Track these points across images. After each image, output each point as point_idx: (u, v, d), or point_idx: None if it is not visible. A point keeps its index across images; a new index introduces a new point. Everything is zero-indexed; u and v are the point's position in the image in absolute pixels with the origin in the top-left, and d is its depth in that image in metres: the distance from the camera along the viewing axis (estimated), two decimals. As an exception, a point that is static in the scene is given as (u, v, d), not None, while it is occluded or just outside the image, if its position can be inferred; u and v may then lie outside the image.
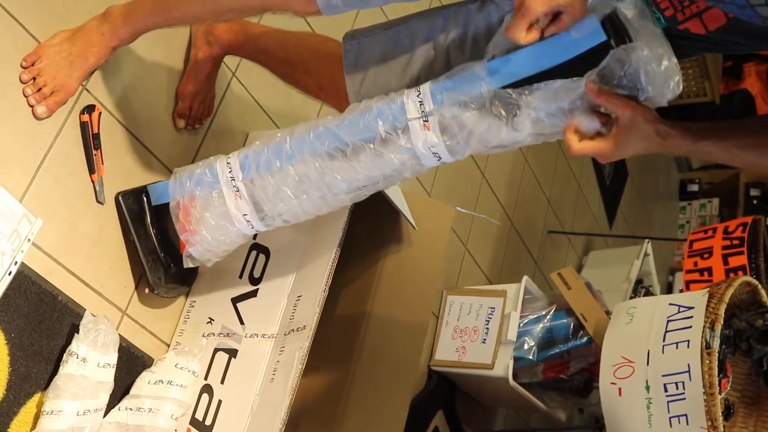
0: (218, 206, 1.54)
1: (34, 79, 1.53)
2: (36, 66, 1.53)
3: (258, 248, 1.79)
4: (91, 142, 1.63)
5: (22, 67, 1.53)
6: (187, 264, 1.62)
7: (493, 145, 1.38)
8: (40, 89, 1.53)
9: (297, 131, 1.49)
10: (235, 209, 1.53)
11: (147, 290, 1.68)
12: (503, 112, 1.33)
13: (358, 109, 1.44)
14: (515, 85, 1.33)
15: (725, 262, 2.91)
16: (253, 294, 1.73)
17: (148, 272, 1.65)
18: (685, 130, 1.32)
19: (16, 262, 1.44)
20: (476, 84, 1.34)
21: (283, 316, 1.65)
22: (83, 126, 1.62)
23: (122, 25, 1.60)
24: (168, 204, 1.62)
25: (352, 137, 1.42)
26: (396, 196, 1.89)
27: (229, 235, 1.57)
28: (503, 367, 2.56)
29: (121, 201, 1.65)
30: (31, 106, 1.53)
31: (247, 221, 1.54)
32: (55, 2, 1.61)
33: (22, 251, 1.46)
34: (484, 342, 2.62)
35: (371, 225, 1.99)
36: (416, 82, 1.47)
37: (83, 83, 1.63)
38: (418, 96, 1.38)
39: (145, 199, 1.67)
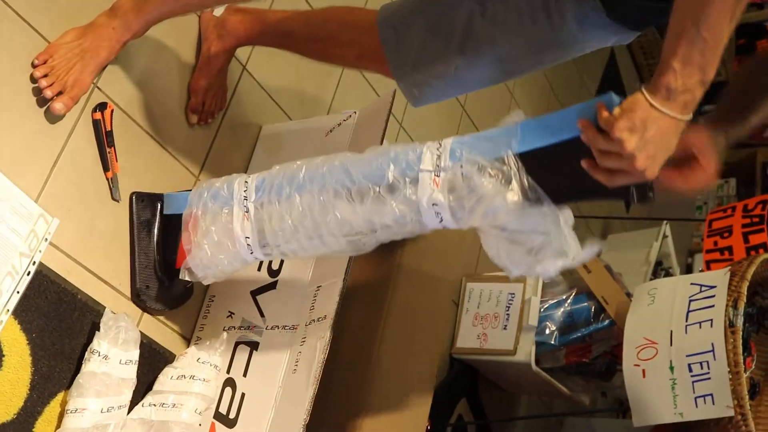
0: (225, 223, 1.51)
1: (46, 76, 1.52)
2: (48, 64, 1.52)
3: (275, 241, 1.78)
4: (104, 139, 1.63)
5: (33, 66, 1.52)
6: (183, 275, 1.58)
7: (498, 223, 1.31)
8: (53, 85, 1.53)
9: (316, 161, 1.46)
10: (239, 229, 1.50)
11: (130, 296, 1.65)
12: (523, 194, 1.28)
13: (378, 150, 1.40)
14: (540, 160, 1.28)
15: (746, 241, 2.88)
16: (272, 286, 1.72)
17: (138, 277, 1.63)
18: (731, 122, 1.41)
19: (34, 262, 1.44)
20: (500, 146, 1.29)
21: (303, 307, 1.64)
22: (96, 124, 1.62)
23: (134, 18, 1.60)
24: (179, 216, 1.60)
25: (360, 176, 1.38)
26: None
27: (228, 256, 1.53)
28: (525, 352, 2.55)
29: (134, 201, 1.64)
30: (48, 101, 1.52)
31: (248, 245, 1.50)
32: (64, 2, 1.60)
33: (40, 251, 1.46)
34: (505, 328, 2.61)
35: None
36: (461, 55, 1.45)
37: (94, 81, 1.63)
38: (438, 149, 1.33)
39: (159, 205, 1.66)
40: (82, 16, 1.62)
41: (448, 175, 1.30)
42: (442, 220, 1.34)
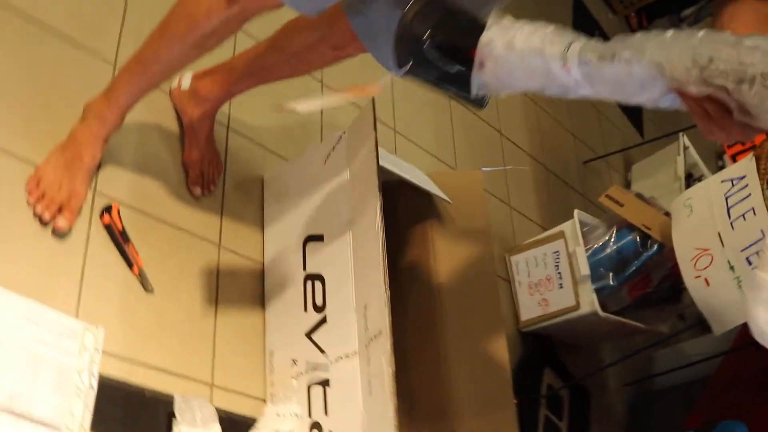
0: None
1: (40, 200, 1.55)
2: (39, 187, 1.56)
3: (311, 278, 1.80)
4: (120, 239, 1.66)
5: (28, 194, 1.56)
6: (474, 88, 1.25)
7: None
8: (49, 206, 1.56)
9: None
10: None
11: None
12: None
13: None
14: None
15: (763, 124, 2.85)
16: (323, 321, 1.73)
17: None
18: None
19: (94, 376, 1.47)
20: None
21: (357, 330, 1.65)
22: (108, 228, 1.65)
23: (106, 109, 1.62)
24: None
25: None
26: (421, 179, 1.89)
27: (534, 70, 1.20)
28: (588, 302, 2.54)
29: None
30: (50, 223, 1.55)
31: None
32: (40, 121, 1.64)
33: (96, 363, 1.48)
34: (561, 287, 2.60)
35: (407, 216, 2.00)
36: None
37: (93, 187, 1.66)
38: None
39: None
40: (60, 131, 1.65)
41: None
42: None
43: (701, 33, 1.06)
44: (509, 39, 1.20)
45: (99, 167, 1.68)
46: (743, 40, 1.04)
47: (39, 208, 1.55)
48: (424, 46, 1.28)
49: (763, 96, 1.02)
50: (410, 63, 1.29)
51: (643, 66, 1.09)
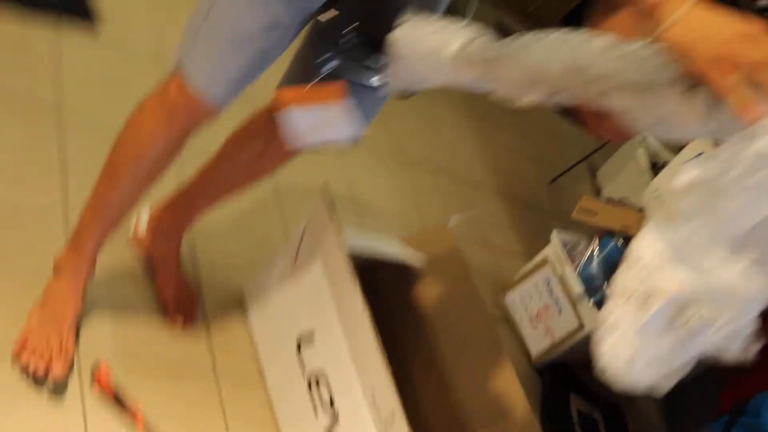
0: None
1: (32, 358, 1.55)
2: (28, 348, 1.56)
3: (314, 378, 1.78)
4: (116, 400, 1.63)
5: (16, 356, 1.55)
6: (388, 83, 1.33)
7: None
8: (41, 359, 1.55)
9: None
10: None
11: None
12: None
13: None
14: None
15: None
16: (336, 419, 1.71)
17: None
18: None
19: None
20: None
21: (372, 416, 1.63)
22: (102, 392, 1.63)
23: (77, 258, 1.64)
24: None
25: None
26: (392, 247, 1.90)
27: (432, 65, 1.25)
28: (591, 319, 2.52)
29: None
30: (44, 377, 1.54)
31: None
32: (13, 287, 1.66)
33: None
34: (560, 312, 2.59)
35: (390, 286, 2.00)
36: None
37: (76, 351, 1.65)
38: None
39: None
40: (35, 290, 1.66)
41: None
42: None
43: (579, 37, 1.09)
44: (413, 38, 1.26)
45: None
46: (617, 47, 1.06)
47: (31, 366, 1.54)
48: (347, 39, 1.33)
49: (624, 106, 1.06)
50: (334, 58, 1.34)
51: (527, 67, 1.13)
